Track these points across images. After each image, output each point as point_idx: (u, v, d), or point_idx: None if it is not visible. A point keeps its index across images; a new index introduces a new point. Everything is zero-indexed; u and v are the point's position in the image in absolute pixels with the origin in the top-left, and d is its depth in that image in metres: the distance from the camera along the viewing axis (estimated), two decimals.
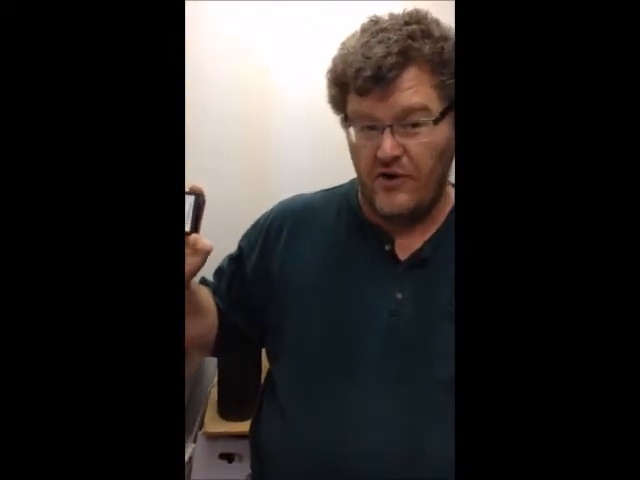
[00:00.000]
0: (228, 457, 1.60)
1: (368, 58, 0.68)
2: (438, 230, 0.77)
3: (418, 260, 0.76)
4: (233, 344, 0.90)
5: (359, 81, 0.69)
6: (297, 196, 0.90)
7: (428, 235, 0.77)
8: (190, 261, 0.67)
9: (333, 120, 0.79)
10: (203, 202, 0.67)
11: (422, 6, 0.75)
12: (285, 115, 1.65)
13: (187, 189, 0.66)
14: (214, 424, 1.55)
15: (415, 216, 0.76)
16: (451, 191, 0.80)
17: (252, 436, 0.87)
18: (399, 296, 0.75)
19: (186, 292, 0.73)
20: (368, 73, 0.68)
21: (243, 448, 1.60)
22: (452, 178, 0.79)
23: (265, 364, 1.58)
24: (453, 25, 0.60)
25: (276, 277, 0.82)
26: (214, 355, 0.92)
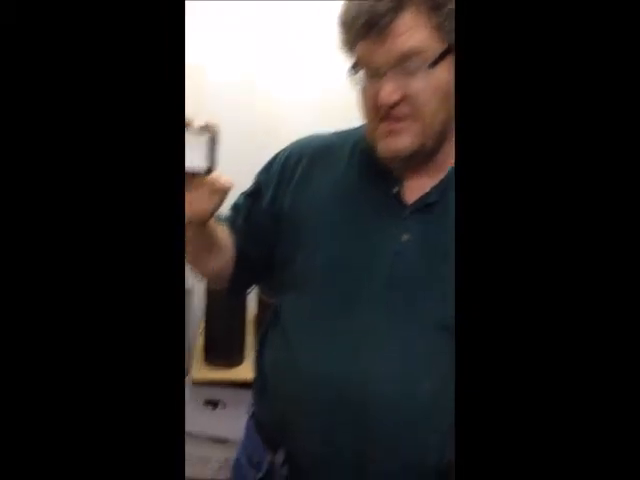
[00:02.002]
0: (213, 404, 1.61)
1: (362, 4, 0.68)
2: (446, 174, 0.77)
3: (425, 204, 0.77)
4: (249, 279, 0.92)
5: (355, 28, 0.70)
6: (314, 135, 0.90)
7: (436, 179, 0.77)
8: (210, 200, 0.69)
9: None
10: (217, 138, 0.66)
11: None
12: None
13: (202, 125, 0.65)
14: (200, 371, 1.55)
15: (420, 159, 0.76)
16: None
17: (257, 362, 0.89)
18: (404, 238, 0.76)
19: (204, 230, 0.75)
20: (362, 20, 0.68)
21: (227, 395, 1.62)
22: None
23: (250, 312, 1.60)
24: None
25: (289, 212, 0.84)
26: (229, 292, 0.93)
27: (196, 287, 1.66)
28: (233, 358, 1.55)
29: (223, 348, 1.55)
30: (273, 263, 0.87)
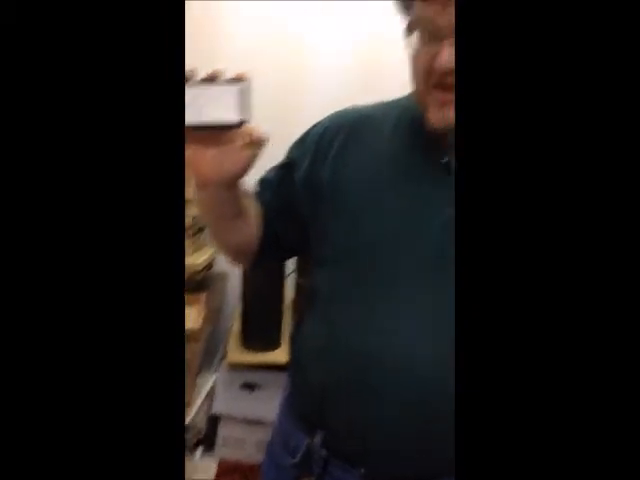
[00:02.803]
0: (250, 387, 1.62)
1: None
2: None
3: None
4: (275, 254, 0.89)
5: None
6: (353, 107, 0.86)
7: None
8: (242, 156, 0.65)
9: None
10: (249, 88, 0.62)
11: None
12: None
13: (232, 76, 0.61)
14: (236, 354, 1.56)
15: None
16: None
17: (293, 343, 0.87)
18: (452, 211, 0.71)
19: (234, 192, 0.71)
20: None
21: (264, 378, 1.63)
22: None
23: (287, 297, 1.60)
24: None
25: (328, 183, 0.79)
26: (254, 266, 0.89)
27: (232, 270, 1.66)
28: (270, 341, 1.55)
29: (260, 331, 1.55)
30: (307, 239, 0.84)
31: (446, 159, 0.74)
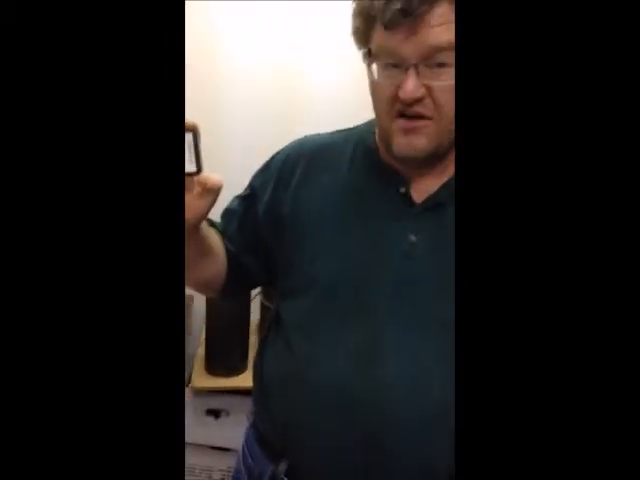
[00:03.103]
0: (215, 413, 1.59)
1: None
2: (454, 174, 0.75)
3: (433, 203, 0.75)
4: (242, 286, 0.90)
5: (387, 14, 0.64)
6: (311, 136, 0.87)
7: (445, 178, 0.75)
8: (201, 202, 0.64)
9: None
10: (200, 137, 0.62)
11: None
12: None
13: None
14: (201, 379, 1.53)
15: (432, 160, 0.73)
16: None
17: (257, 370, 0.86)
18: (412, 239, 0.73)
19: (197, 235, 0.71)
20: (398, 6, 0.63)
21: (230, 404, 1.59)
22: None
23: (253, 319, 1.58)
24: None
25: (288, 217, 0.80)
26: (222, 298, 0.91)
27: (197, 294, 1.63)
28: (236, 366, 1.52)
29: (225, 356, 1.52)
30: (272, 269, 0.84)
31: (404, 189, 0.75)
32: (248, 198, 0.86)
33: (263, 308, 1.58)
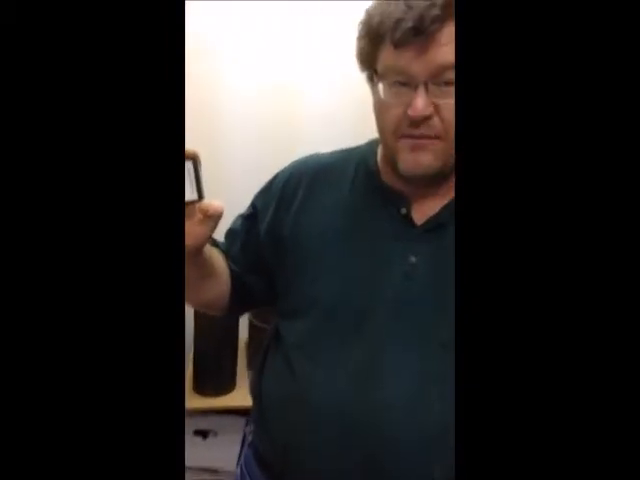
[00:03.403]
0: (203, 433, 1.57)
1: (410, 8, 0.64)
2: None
3: (434, 225, 0.75)
4: (246, 305, 0.91)
5: (398, 32, 0.64)
6: (313, 155, 0.87)
7: (446, 200, 0.75)
8: (202, 228, 0.65)
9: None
10: (200, 166, 0.63)
11: None
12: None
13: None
14: (189, 400, 1.51)
15: (436, 179, 0.73)
16: None
17: (255, 390, 0.86)
18: (413, 260, 0.74)
19: (199, 258, 0.71)
20: (409, 24, 0.63)
21: (218, 424, 1.57)
22: None
23: (241, 338, 1.56)
24: None
25: (289, 239, 0.80)
26: (226, 316, 0.92)
27: (185, 313, 1.62)
28: (224, 385, 1.51)
29: (214, 375, 1.50)
30: (274, 288, 0.84)
31: (404, 210, 0.75)
32: (250, 218, 0.86)
33: (252, 327, 1.57)
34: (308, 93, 1.61)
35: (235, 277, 0.84)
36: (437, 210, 0.75)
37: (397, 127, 0.69)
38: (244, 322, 1.57)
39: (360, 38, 0.70)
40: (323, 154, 0.87)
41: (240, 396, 1.49)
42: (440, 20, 0.63)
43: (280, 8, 1.54)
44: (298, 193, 0.81)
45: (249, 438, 0.89)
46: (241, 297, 0.85)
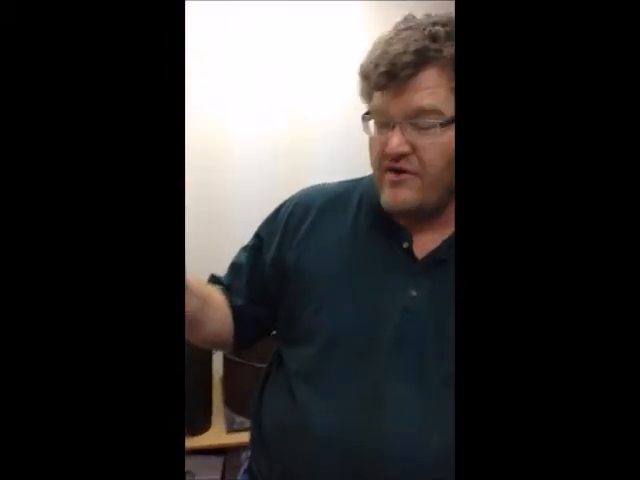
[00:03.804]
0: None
1: (386, 54, 0.69)
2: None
3: (435, 260, 0.77)
4: (254, 337, 0.91)
5: (375, 76, 0.70)
6: (319, 186, 0.90)
7: (446, 235, 0.77)
8: None
9: None
10: None
11: (422, 6, 0.78)
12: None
13: None
14: None
15: (428, 215, 0.77)
16: None
17: (255, 416, 0.86)
18: (413, 294, 0.76)
19: (193, 298, 0.74)
20: (383, 69, 0.69)
21: (195, 464, 1.54)
22: None
23: (215, 379, 1.53)
24: None
25: (293, 269, 0.82)
26: (235, 351, 0.96)
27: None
28: (199, 425, 1.48)
29: (188, 415, 1.46)
30: (277, 318, 0.85)
31: (406, 244, 0.78)
32: (255, 248, 0.87)
33: (227, 361, 1.54)
34: (311, 117, 1.66)
35: (240, 311, 0.86)
36: (438, 244, 0.77)
37: (380, 163, 0.74)
38: (219, 359, 1.55)
39: (359, 79, 0.75)
40: (329, 184, 0.89)
41: (215, 435, 1.47)
42: (412, 66, 0.68)
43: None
44: (303, 223, 0.83)
45: (245, 464, 0.89)
46: (248, 330, 0.87)
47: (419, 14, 0.74)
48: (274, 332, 0.90)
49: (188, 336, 0.79)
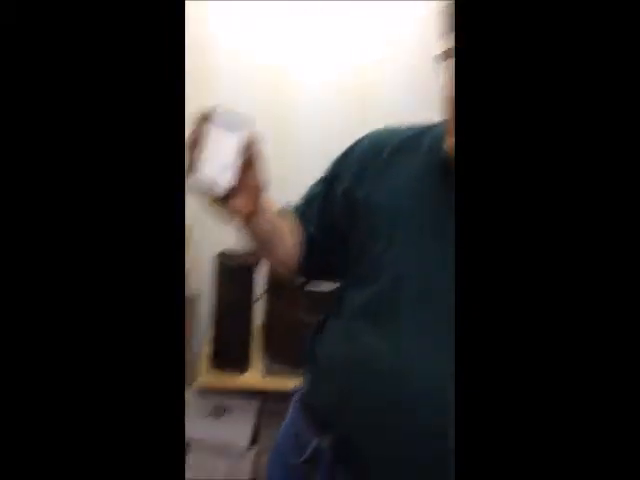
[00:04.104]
0: (219, 411, 1.62)
1: None
2: None
3: None
4: (319, 268, 0.93)
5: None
6: (393, 128, 0.90)
7: None
8: (243, 201, 0.71)
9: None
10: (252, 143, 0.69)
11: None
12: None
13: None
14: (206, 378, 1.56)
15: None
16: None
17: (311, 351, 0.89)
18: None
19: (258, 224, 0.76)
20: None
21: (233, 402, 1.62)
22: None
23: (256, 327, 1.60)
24: None
25: (363, 204, 0.83)
26: (302, 278, 0.96)
27: (203, 293, 1.66)
28: (240, 365, 1.55)
29: (230, 354, 1.55)
30: (346, 252, 0.87)
31: None
32: (328, 181, 0.90)
33: (267, 312, 1.60)
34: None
35: (310, 239, 0.88)
36: None
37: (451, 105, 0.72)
38: (260, 307, 1.61)
39: (445, 13, 0.74)
40: (398, 127, 0.89)
41: (254, 376, 1.55)
42: None
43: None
44: (376, 160, 0.84)
45: (299, 392, 0.91)
46: (315, 259, 0.89)
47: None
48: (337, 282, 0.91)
49: (261, 256, 0.84)
